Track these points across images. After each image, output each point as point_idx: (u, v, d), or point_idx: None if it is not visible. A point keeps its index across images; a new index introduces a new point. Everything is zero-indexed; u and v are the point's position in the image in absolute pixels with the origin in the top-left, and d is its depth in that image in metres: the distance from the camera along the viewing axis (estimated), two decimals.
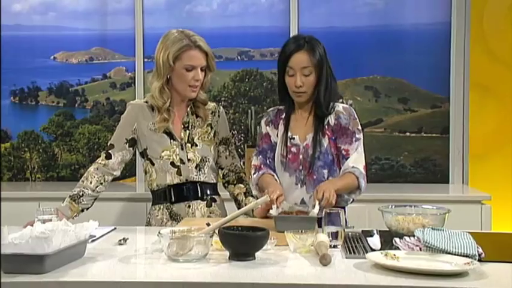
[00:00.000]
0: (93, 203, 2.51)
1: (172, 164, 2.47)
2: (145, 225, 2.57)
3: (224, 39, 3.86)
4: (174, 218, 2.48)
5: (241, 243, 1.83)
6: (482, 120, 3.76)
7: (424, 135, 3.86)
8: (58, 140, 3.96)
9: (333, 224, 1.98)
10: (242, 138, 3.85)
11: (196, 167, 2.49)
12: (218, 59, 3.89)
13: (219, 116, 2.59)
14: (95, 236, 2.09)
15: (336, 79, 2.48)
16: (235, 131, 3.89)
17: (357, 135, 2.44)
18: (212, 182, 2.55)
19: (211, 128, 2.56)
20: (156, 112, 2.49)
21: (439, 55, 3.80)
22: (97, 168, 2.51)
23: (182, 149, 2.49)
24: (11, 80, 3.96)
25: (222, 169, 2.62)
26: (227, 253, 1.84)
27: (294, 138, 2.46)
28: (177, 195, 2.47)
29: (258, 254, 1.84)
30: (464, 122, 3.79)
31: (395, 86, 3.87)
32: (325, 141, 2.42)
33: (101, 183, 2.50)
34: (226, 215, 2.37)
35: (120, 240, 2.08)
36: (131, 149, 2.54)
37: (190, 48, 2.41)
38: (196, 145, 2.51)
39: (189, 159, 2.49)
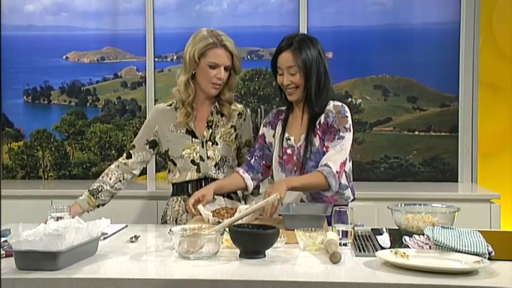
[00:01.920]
0: (109, 199, 2.58)
1: (193, 161, 2.52)
2: (162, 215, 2.62)
3: (234, 38, 3.76)
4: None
5: (252, 241, 1.84)
6: (491, 119, 3.76)
7: (433, 134, 3.86)
8: (70, 138, 3.99)
9: (342, 222, 1.99)
10: (252, 137, 3.86)
11: (215, 166, 2.53)
12: None
13: (244, 119, 2.62)
14: (107, 234, 2.12)
15: (331, 79, 2.43)
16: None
17: (341, 133, 2.36)
18: None
19: (235, 129, 2.59)
20: (180, 110, 2.53)
21: (448, 54, 3.80)
22: (117, 166, 2.59)
23: (203, 146, 2.53)
24: (24, 80, 4.00)
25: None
26: (237, 251, 1.86)
27: (289, 139, 2.45)
28: (194, 189, 2.50)
29: (268, 251, 1.86)
30: (474, 121, 3.79)
31: (404, 85, 3.87)
32: (317, 141, 2.39)
33: (120, 181, 2.57)
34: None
35: (131, 238, 2.10)
36: (152, 150, 2.60)
37: (216, 46, 2.45)
38: (217, 144, 2.54)
39: (208, 157, 2.52)
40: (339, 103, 2.44)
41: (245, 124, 2.63)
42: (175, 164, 2.56)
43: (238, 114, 2.60)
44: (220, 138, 2.55)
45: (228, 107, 2.57)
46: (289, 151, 2.44)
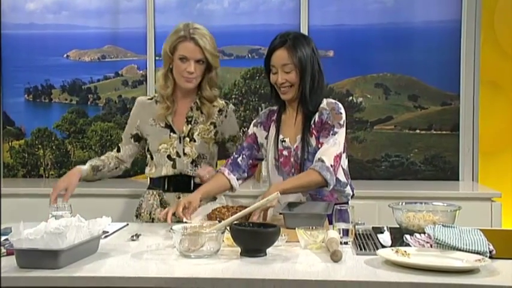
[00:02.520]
0: (98, 180, 2.65)
1: (169, 157, 2.52)
2: (137, 208, 2.64)
3: (235, 37, 3.87)
4: (164, 205, 2.53)
5: (253, 240, 1.84)
6: (493, 118, 3.75)
7: (434, 132, 3.86)
8: (71, 137, 3.99)
9: (343, 220, 1.99)
10: None
11: (192, 162, 2.53)
12: (229, 56, 3.91)
13: (225, 116, 2.59)
14: (108, 232, 2.12)
15: (324, 77, 2.41)
16: (246, 128, 3.90)
17: (335, 129, 2.34)
18: None
19: (215, 126, 2.57)
20: (160, 104, 2.54)
21: (450, 52, 3.80)
22: (114, 156, 2.64)
23: (180, 142, 2.53)
24: (25, 78, 4.00)
25: None
26: (238, 249, 1.86)
27: (284, 141, 2.42)
28: (169, 185, 2.53)
29: (269, 250, 1.86)
30: (475, 120, 3.79)
31: (405, 84, 3.86)
32: (313, 141, 2.37)
33: (116, 168, 2.65)
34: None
35: (132, 236, 2.10)
36: (137, 143, 2.64)
37: (185, 39, 2.45)
38: (195, 141, 2.53)
39: (185, 154, 2.52)
40: (333, 100, 2.43)
41: (226, 120, 2.59)
42: (152, 158, 2.57)
43: (218, 111, 2.58)
44: (198, 135, 2.54)
45: (207, 105, 2.55)
46: (285, 153, 2.42)
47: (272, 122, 2.49)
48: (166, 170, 2.53)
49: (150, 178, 2.63)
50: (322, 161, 2.27)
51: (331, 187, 2.31)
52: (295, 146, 2.40)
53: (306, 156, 2.36)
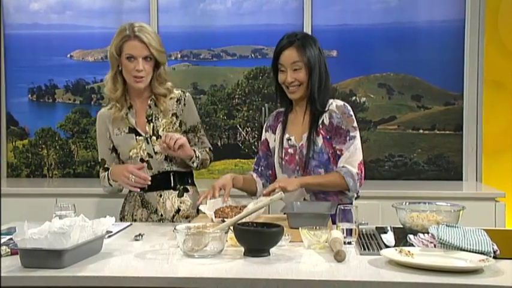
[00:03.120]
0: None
1: (141, 160, 2.50)
2: (120, 210, 2.62)
3: (238, 37, 3.87)
4: (145, 205, 2.54)
5: (256, 240, 1.84)
6: (496, 117, 3.75)
7: (438, 132, 3.85)
8: (74, 137, 4.00)
9: (347, 220, 1.99)
10: (256, 136, 3.87)
11: (166, 159, 2.51)
12: (232, 56, 3.91)
13: (184, 104, 2.56)
14: (111, 232, 2.12)
15: (330, 77, 2.44)
16: (249, 128, 3.91)
17: (351, 134, 2.37)
18: (186, 170, 2.57)
19: (177, 117, 2.54)
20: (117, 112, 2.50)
21: (453, 52, 3.79)
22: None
23: (148, 143, 2.51)
24: (28, 78, 4.01)
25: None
26: (242, 249, 1.86)
27: (290, 140, 2.45)
28: (149, 185, 2.46)
29: (272, 250, 1.86)
30: (478, 119, 3.78)
31: (408, 83, 3.86)
32: (320, 140, 2.38)
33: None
34: (196, 206, 2.40)
35: (136, 236, 2.11)
36: (117, 153, 2.58)
37: (129, 38, 2.43)
38: (161, 137, 2.47)
39: (156, 152, 2.50)
40: (341, 102, 2.44)
41: (186, 109, 2.56)
42: None
43: (177, 101, 2.55)
44: (163, 130, 2.51)
45: (162, 101, 2.52)
46: (290, 151, 2.44)
47: (279, 123, 2.51)
48: (144, 172, 2.46)
49: None
50: (346, 167, 2.33)
51: (353, 193, 2.37)
52: (300, 144, 2.42)
53: (310, 155, 2.38)
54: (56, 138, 4.00)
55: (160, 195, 2.53)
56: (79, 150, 4.00)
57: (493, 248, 1.80)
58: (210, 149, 2.63)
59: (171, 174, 2.53)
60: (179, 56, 3.90)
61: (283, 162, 2.44)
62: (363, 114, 3.83)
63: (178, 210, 2.53)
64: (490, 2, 3.74)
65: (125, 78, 2.48)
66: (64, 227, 1.75)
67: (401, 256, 1.75)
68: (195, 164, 2.52)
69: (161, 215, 2.52)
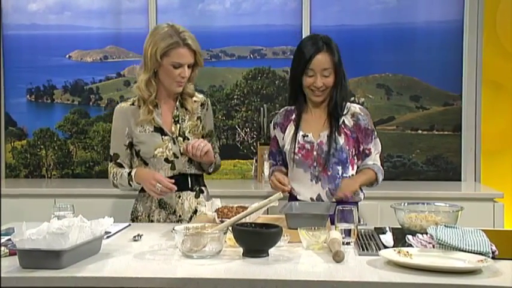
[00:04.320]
0: None
1: (166, 160, 2.49)
2: (132, 211, 2.59)
3: (237, 37, 3.87)
4: (163, 206, 2.53)
5: (255, 240, 1.84)
6: (495, 118, 3.75)
7: (436, 132, 3.86)
8: (73, 137, 4.00)
9: (345, 221, 1.99)
10: (255, 136, 3.87)
11: (188, 161, 2.51)
12: (230, 57, 3.91)
13: (207, 109, 2.59)
14: (110, 232, 2.12)
15: (347, 77, 2.53)
16: (248, 129, 3.91)
17: (375, 133, 2.55)
18: (200, 173, 2.59)
19: (201, 121, 2.57)
20: (142, 108, 2.50)
21: (452, 53, 3.79)
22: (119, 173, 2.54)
23: (174, 143, 2.50)
24: (27, 79, 4.00)
25: None
26: (241, 250, 1.86)
27: (307, 136, 2.49)
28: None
29: (271, 250, 1.86)
30: (477, 120, 3.78)
31: (407, 84, 3.86)
32: (341, 139, 2.46)
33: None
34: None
35: (134, 237, 2.11)
36: (134, 150, 2.56)
37: (178, 46, 2.40)
38: (188, 139, 2.50)
39: (182, 153, 2.50)
40: (361, 106, 2.60)
41: (208, 113, 2.60)
42: (146, 164, 2.51)
43: (201, 105, 2.57)
44: (189, 132, 2.52)
45: (190, 101, 2.54)
46: (307, 146, 2.49)
47: (290, 121, 2.55)
48: (165, 172, 2.48)
49: None
50: (376, 164, 2.53)
51: (376, 185, 2.55)
52: (318, 141, 2.48)
53: (331, 152, 2.44)
54: (55, 139, 3.99)
55: (179, 196, 2.52)
56: (77, 150, 3.99)
57: (491, 249, 1.81)
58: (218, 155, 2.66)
59: (189, 175, 2.53)
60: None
61: (297, 157, 2.48)
62: None
63: (195, 211, 2.53)
64: (489, 3, 3.74)
65: (160, 80, 2.46)
66: (62, 228, 1.75)
67: (399, 257, 1.75)
68: (211, 170, 2.56)
69: (179, 216, 2.51)
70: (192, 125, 2.54)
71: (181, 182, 2.50)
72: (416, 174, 3.85)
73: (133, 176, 2.46)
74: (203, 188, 2.61)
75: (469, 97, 3.78)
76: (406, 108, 3.87)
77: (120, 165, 2.53)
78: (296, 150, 2.49)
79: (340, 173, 2.46)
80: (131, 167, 2.54)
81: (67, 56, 4.03)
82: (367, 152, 2.52)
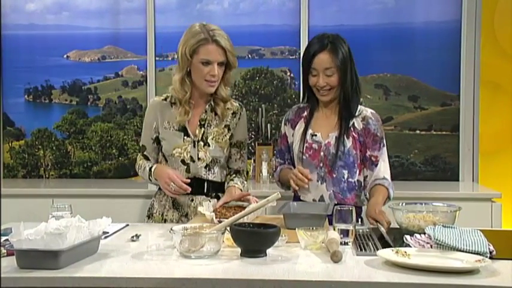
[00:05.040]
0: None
1: (183, 161, 2.48)
2: (149, 208, 2.61)
3: (235, 37, 3.77)
4: (176, 207, 2.53)
5: (253, 240, 1.84)
6: (493, 118, 3.76)
7: (434, 133, 3.86)
8: (71, 137, 3.99)
9: (343, 221, 1.99)
10: (253, 136, 3.87)
11: (206, 167, 2.50)
12: None
13: (239, 118, 2.55)
14: (108, 233, 2.12)
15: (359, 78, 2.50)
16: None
17: (384, 141, 2.49)
18: (220, 181, 2.55)
19: (229, 129, 2.53)
20: (176, 107, 2.49)
21: (450, 53, 3.80)
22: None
23: (194, 146, 2.48)
24: (25, 79, 4.00)
25: (228, 168, 2.60)
26: (239, 250, 1.86)
27: (316, 135, 2.48)
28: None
29: (269, 250, 1.86)
30: (475, 120, 3.79)
31: (405, 84, 3.87)
32: (349, 142, 2.44)
33: None
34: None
35: (132, 237, 2.10)
36: (158, 146, 2.56)
37: (207, 42, 2.38)
38: (209, 145, 2.48)
39: (199, 158, 2.48)
40: (373, 110, 2.54)
41: (240, 123, 2.55)
42: (166, 160, 2.53)
43: (232, 113, 2.53)
44: (212, 139, 2.49)
45: (222, 106, 2.50)
46: (315, 146, 2.47)
47: (301, 118, 2.53)
48: (181, 173, 2.46)
49: None
50: (386, 179, 2.45)
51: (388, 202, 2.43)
52: (326, 142, 2.46)
53: (338, 154, 2.42)
54: (53, 139, 3.99)
55: (192, 200, 2.51)
56: (75, 151, 3.99)
57: (489, 249, 1.81)
58: (244, 170, 2.62)
59: (206, 181, 2.51)
60: (176, 56, 3.88)
61: (304, 157, 2.47)
62: None
63: None
64: (487, 3, 3.74)
65: (193, 80, 2.45)
66: (60, 228, 1.75)
67: (397, 257, 1.75)
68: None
69: (191, 219, 2.48)
70: (218, 132, 2.50)
71: (197, 185, 2.48)
72: (415, 175, 3.85)
73: (152, 172, 2.47)
74: (220, 194, 2.53)
75: (467, 97, 3.78)
76: (404, 108, 3.87)
77: (147, 158, 2.55)
78: (304, 150, 2.47)
79: (345, 176, 2.44)
80: (157, 161, 2.56)
81: (65, 56, 4.03)
82: (373, 159, 2.45)
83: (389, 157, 3.79)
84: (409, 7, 3.82)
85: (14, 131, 4.02)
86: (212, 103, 2.51)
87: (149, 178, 2.50)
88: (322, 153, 2.45)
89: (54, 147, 3.99)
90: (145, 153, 2.56)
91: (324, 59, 2.40)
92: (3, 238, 1.93)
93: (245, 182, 2.58)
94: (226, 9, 3.90)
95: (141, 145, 2.60)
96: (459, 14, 3.77)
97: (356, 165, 2.45)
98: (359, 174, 2.47)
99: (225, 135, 2.51)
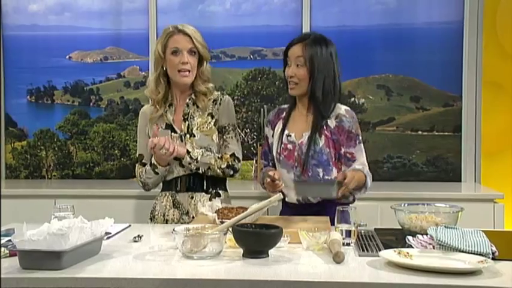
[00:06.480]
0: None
1: (175, 158, 2.50)
2: (151, 210, 2.63)
3: (237, 38, 3.88)
4: (176, 206, 2.55)
5: (255, 241, 1.84)
6: (495, 118, 3.75)
7: (436, 133, 3.86)
8: (73, 138, 4.00)
9: (345, 222, 1.99)
10: (255, 137, 3.87)
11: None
12: (231, 58, 3.91)
13: (220, 104, 2.57)
14: (110, 233, 2.12)
15: (341, 82, 2.46)
16: (248, 130, 3.91)
17: (360, 138, 2.47)
18: (218, 176, 2.57)
19: (212, 117, 2.56)
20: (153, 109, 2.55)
21: (452, 53, 3.79)
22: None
23: (182, 140, 2.53)
24: (27, 79, 4.01)
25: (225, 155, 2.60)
26: (241, 250, 1.86)
27: (290, 136, 2.48)
28: (182, 185, 2.53)
29: (271, 251, 1.86)
30: (477, 120, 3.78)
31: (407, 85, 3.86)
32: (321, 141, 2.41)
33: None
34: None
35: (135, 237, 2.11)
36: None
37: (174, 33, 2.51)
38: (195, 136, 2.53)
39: (188, 151, 2.50)
40: (347, 107, 2.49)
41: (221, 108, 2.57)
42: None
43: (213, 102, 2.57)
44: (197, 129, 2.54)
45: (202, 99, 2.56)
46: (289, 147, 2.46)
47: (280, 119, 2.54)
48: (177, 170, 2.52)
49: (163, 181, 2.59)
50: (365, 168, 2.43)
51: (363, 194, 2.44)
52: (299, 142, 2.44)
53: (310, 154, 2.40)
54: (55, 140, 4.00)
55: (192, 197, 2.53)
56: (78, 151, 4.00)
57: (491, 250, 1.81)
58: (233, 155, 2.56)
59: (204, 177, 2.54)
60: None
61: (281, 158, 2.47)
62: (361, 115, 3.82)
63: None
64: (489, 4, 3.74)
65: (169, 77, 2.52)
66: (63, 229, 1.75)
67: (400, 257, 1.75)
68: (192, 166, 2.50)
69: (192, 217, 2.50)
70: (202, 121, 2.55)
71: (196, 182, 2.53)
72: (417, 175, 3.85)
73: (153, 162, 2.50)
74: (221, 191, 2.58)
75: (469, 98, 3.78)
76: (406, 109, 3.87)
77: (145, 165, 2.58)
78: (280, 150, 2.48)
79: (321, 175, 2.41)
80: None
81: (67, 56, 4.03)
82: (349, 156, 2.43)
83: (391, 157, 3.86)
84: (411, 8, 3.82)
85: (16, 131, 4.03)
86: (193, 97, 2.57)
87: (155, 172, 2.51)
88: (296, 153, 2.44)
89: (56, 148, 4.00)
90: (143, 161, 2.59)
91: (296, 49, 2.42)
92: (6, 239, 1.94)
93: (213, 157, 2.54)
94: (228, 9, 3.91)
95: (137, 155, 2.64)
96: (461, 15, 3.77)
97: (331, 163, 2.42)
98: (337, 171, 2.42)
99: (209, 123, 2.55)
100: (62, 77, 4.02)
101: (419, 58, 3.82)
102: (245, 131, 3.90)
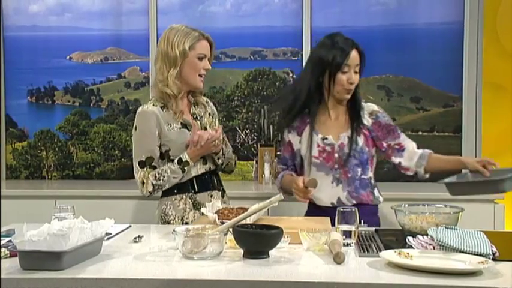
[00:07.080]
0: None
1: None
2: (161, 216, 2.53)
3: (237, 38, 3.88)
4: (197, 207, 2.50)
5: (255, 241, 1.84)
6: (495, 119, 3.75)
7: (437, 134, 3.85)
8: (74, 138, 4.00)
9: (346, 222, 1.99)
10: (255, 137, 3.87)
11: (215, 154, 2.55)
12: (231, 58, 3.92)
13: (209, 105, 2.69)
14: (110, 234, 2.12)
15: None
16: (248, 130, 3.91)
17: (398, 128, 2.59)
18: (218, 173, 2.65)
19: (213, 117, 2.66)
20: (167, 109, 2.50)
21: (452, 54, 3.79)
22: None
23: None
24: (27, 80, 4.01)
25: None
26: (241, 251, 1.86)
27: (327, 138, 2.49)
28: (200, 185, 2.52)
29: (271, 252, 1.86)
30: (477, 121, 3.78)
31: (407, 85, 3.86)
32: (361, 140, 2.48)
33: None
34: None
35: (135, 238, 2.11)
36: (164, 154, 2.53)
37: (202, 38, 2.52)
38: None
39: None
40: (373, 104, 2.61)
41: (213, 109, 2.70)
42: None
43: (206, 103, 2.67)
44: (209, 127, 2.59)
45: (200, 97, 2.63)
46: (328, 149, 2.49)
47: (306, 124, 2.54)
48: (197, 168, 2.51)
49: (176, 184, 2.50)
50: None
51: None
52: (339, 143, 2.49)
53: (351, 153, 2.46)
54: (55, 140, 4.00)
55: (211, 196, 2.55)
56: (78, 152, 4.00)
57: (492, 250, 1.80)
58: (234, 152, 2.70)
59: (215, 174, 2.59)
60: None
61: (318, 161, 2.49)
62: None
63: None
64: (489, 4, 3.74)
65: (183, 77, 2.50)
66: (63, 229, 1.75)
67: (400, 258, 1.75)
68: (220, 161, 2.57)
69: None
70: (209, 120, 2.63)
71: (212, 180, 2.57)
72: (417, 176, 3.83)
73: (187, 158, 2.45)
74: (226, 189, 2.66)
75: (469, 98, 3.78)
76: (406, 109, 3.87)
77: (155, 167, 2.48)
78: (316, 154, 2.49)
79: (359, 174, 2.49)
80: None
81: (68, 57, 4.03)
82: (397, 147, 2.54)
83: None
84: (411, 8, 3.82)
85: (16, 132, 4.03)
86: (191, 97, 2.60)
87: (183, 171, 2.46)
88: (336, 155, 2.48)
89: (56, 149, 4.00)
90: (153, 164, 2.47)
91: (355, 55, 2.47)
92: (6, 239, 1.94)
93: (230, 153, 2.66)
94: (229, 10, 3.91)
95: (144, 159, 2.47)
96: (462, 16, 3.77)
97: (369, 161, 2.51)
98: (371, 170, 2.53)
99: (213, 122, 2.65)
100: (62, 77, 4.02)
101: (419, 59, 3.82)
102: (245, 132, 3.90)
